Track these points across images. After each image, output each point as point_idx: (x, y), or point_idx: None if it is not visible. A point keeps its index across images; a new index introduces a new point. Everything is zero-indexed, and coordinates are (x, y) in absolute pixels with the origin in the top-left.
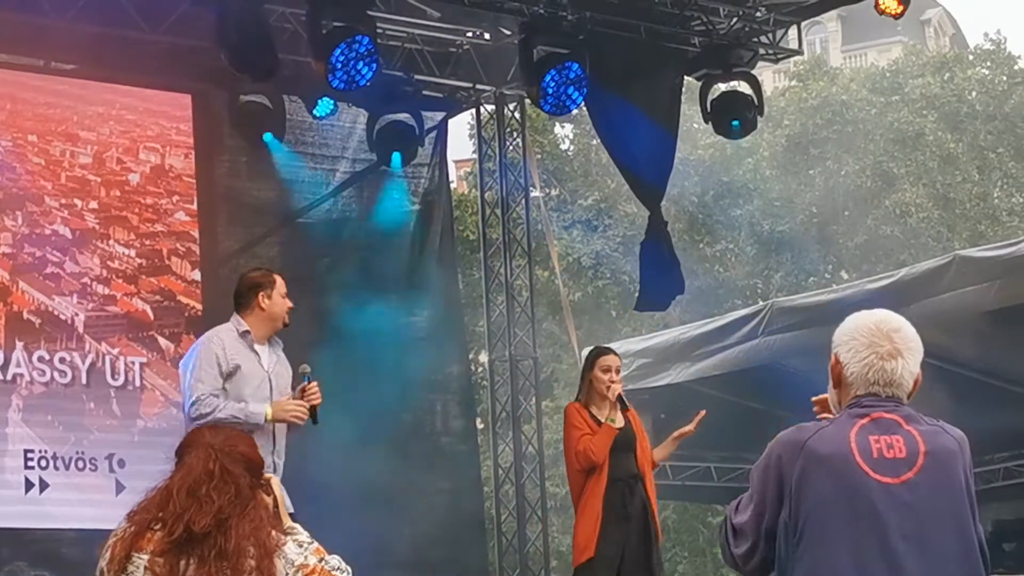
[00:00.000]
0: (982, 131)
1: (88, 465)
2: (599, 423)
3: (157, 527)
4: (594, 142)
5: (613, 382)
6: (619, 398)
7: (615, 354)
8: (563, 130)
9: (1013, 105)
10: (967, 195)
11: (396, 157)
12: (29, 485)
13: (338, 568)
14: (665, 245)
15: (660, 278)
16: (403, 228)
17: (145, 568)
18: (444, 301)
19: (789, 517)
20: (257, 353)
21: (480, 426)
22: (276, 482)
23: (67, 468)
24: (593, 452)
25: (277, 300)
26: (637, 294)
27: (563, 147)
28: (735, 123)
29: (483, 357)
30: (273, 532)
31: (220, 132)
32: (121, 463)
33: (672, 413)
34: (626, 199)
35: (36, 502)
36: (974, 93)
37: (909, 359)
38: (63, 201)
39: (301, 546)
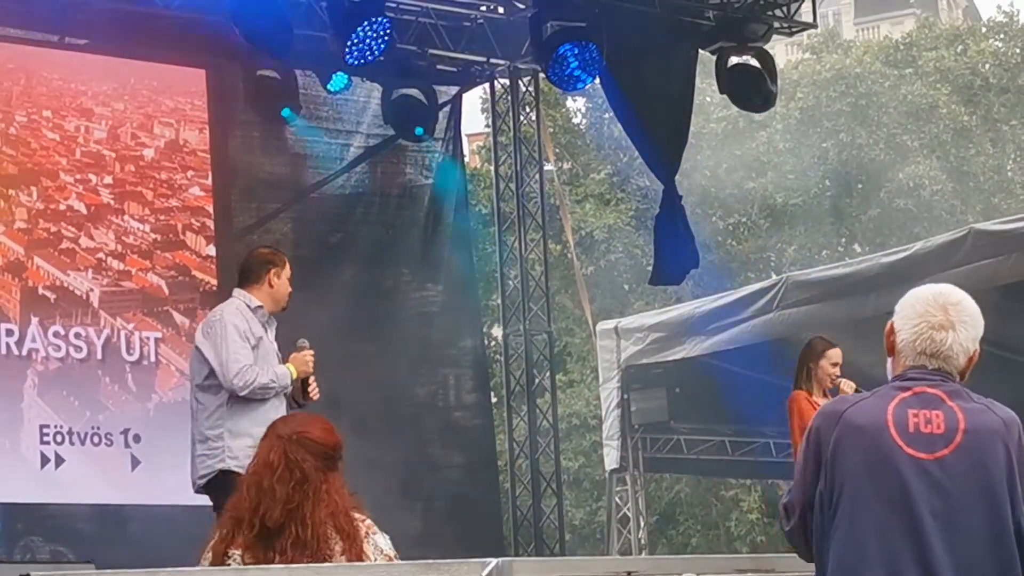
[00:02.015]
0: (996, 103)
1: (104, 440)
2: None
3: (243, 524)
4: (606, 115)
5: (840, 376)
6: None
7: (836, 347)
8: (575, 104)
9: None
10: (981, 168)
11: (418, 130)
12: (45, 460)
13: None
14: (680, 219)
15: (675, 252)
16: (417, 202)
17: (240, 563)
18: (458, 275)
19: (825, 488)
20: (266, 328)
21: (494, 400)
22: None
23: (83, 443)
24: None
25: (284, 281)
26: (651, 268)
27: (575, 121)
28: (758, 99)
29: (496, 331)
30: (356, 516)
31: (235, 107)
32: (136, 438)
33: (687, 387)
34: (639, 173)
35: (52, 477)
36: (987, 65)
37: (962, 332)
38: (78, 176)
39: (386, 537)
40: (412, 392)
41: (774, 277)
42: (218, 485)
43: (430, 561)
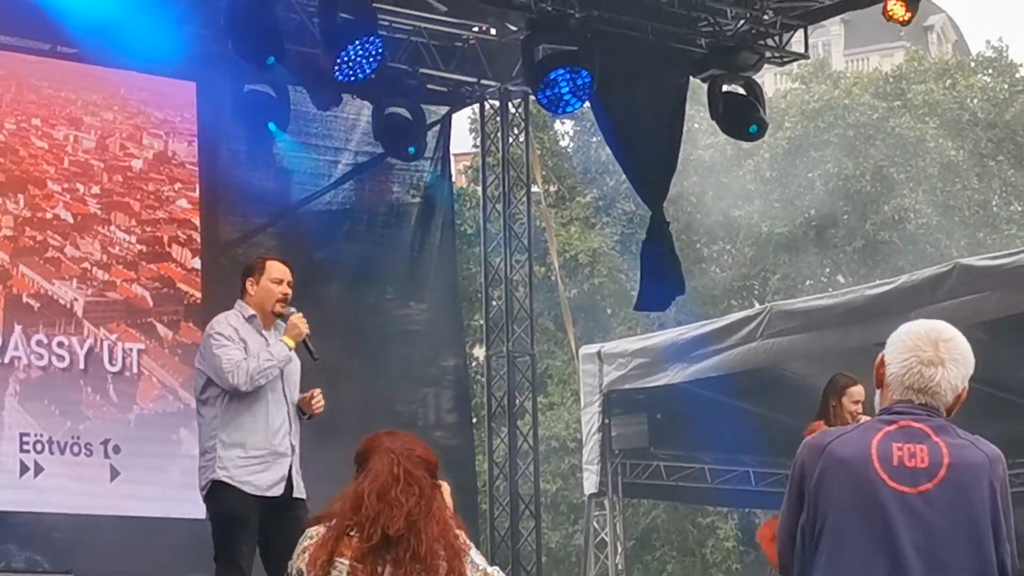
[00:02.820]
0: (983, 139)
1: (83, 450)
2: None
3: (353, 532)
4: (594, 139)
5: (860, 414)
6: None
7: (858, 384)
8: (563, 126)
9: (1014, 113)
10: (966, 202)
11: (411, 149)
12: (24, 468)
13: None
14: (666, 246)
15: (660, 279)
16: (404, 220)
17: (348, 572)
18: (442, 295)
19: (807, 520)
20: (265, 337)
21: (474, 421)
22: (446, 489)
23: (62, 452)
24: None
25: (265, 286)
26: (636, 294)
27: (562, 143)
28: (753, 128)
29: (477, 352)
30: (459, 533)
31: (224, 121)
32: (116, 449)
33: (669, 413)
34: (624, 197)
35: (30, 485)
36: (975, 100)
37: (951, 370)
38: (65, 185)
39: (477, 551)
40: (393, 409)
41: (757, 306)
42: (211, 495)
43: None
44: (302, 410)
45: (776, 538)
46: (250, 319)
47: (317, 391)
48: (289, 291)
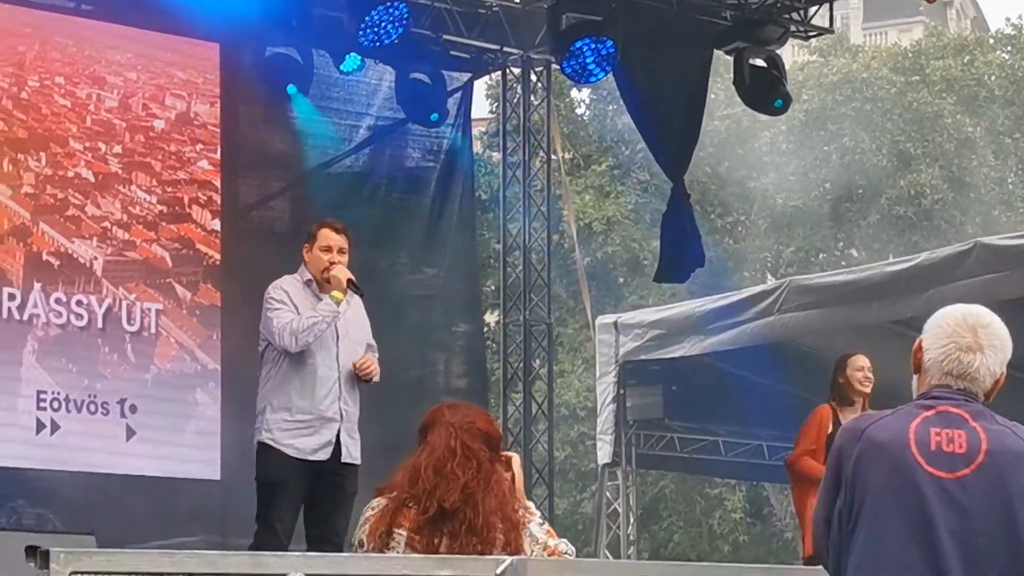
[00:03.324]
0: (1000, 116)
1: (100, 409)
2: None
3: (411, 505)
4: (610, 108)
5: (868, 378)
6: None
7: (861, 354)
8: (579, 94)
9: None
10: (982, 179)
11: (434, 116)
12: (40, 426)
13: (566, 552)
14: (687, 217)
15: (680, 250)
16: (423, 187)
17: (405, 543)
18: (459, 261)
19: (844, 504)
20: (321, 300)
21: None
22: (516, 461)
23: (79, 411)
24: (804, 474)
25: (315, 254)
26: (653, 264)
27: (578, 111)
28: (778, 102)
29: (488, 318)
30: (518, 507)
31: (247, 83)
32: (133, 408)
33: (683, 385)
34: (639, 167)
35: (46, 443)
36: (993, 77)
37: (990, 356)
38: (87, 144)
39: (541, 525)
40: (404, 374)
41: (770, 278)
42: (259, 455)
43: (444, 556)
44: (359, 377)
45: (812, 522)
46: (307, 283)
47: (368, 359)
48: (339, 258)
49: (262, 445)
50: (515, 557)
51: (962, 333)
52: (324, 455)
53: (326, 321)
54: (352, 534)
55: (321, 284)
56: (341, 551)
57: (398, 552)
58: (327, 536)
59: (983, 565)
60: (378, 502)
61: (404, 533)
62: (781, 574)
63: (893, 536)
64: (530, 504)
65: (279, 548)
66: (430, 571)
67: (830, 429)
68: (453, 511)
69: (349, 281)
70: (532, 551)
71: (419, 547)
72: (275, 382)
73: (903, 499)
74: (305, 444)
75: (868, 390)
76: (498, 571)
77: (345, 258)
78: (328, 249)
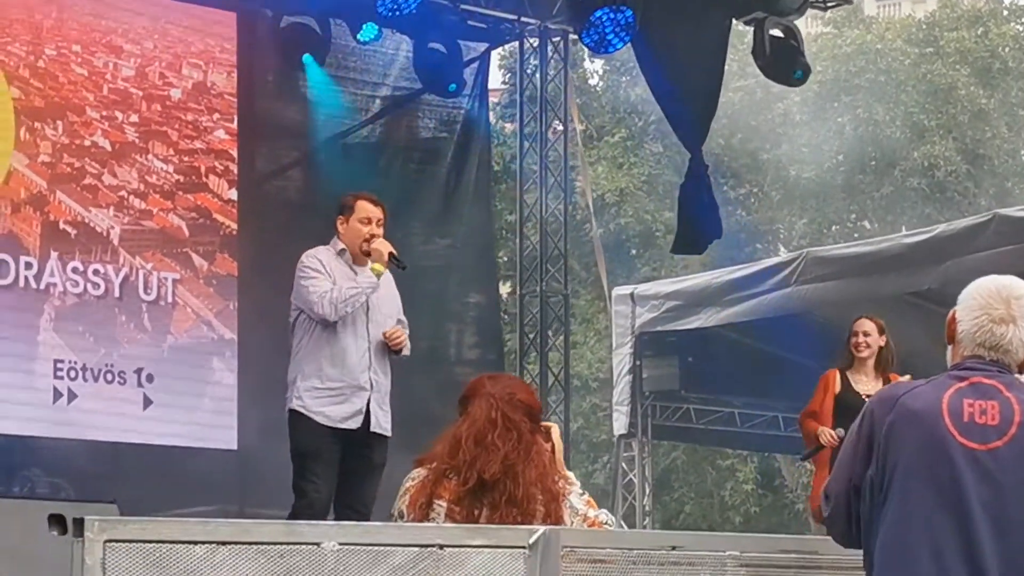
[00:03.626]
0: (1014, 87)
1: (117, 378)
2: (849, 392)
3: (451, 475)
4: (624, 79)
5: (859, 343)
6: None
7: (867, 317)
8: (592, 65)
9: None
10: (996, 151)
11: (452, 87)
12: (57, 395)
13: (606, 523)
14: (704, 188)
15: (698, 222)
16: (439, 158)
17: (445, 514)
18: (474, 232)
19: (876, 473)
20: (355, 272)
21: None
22: (556, 431)
23: (96, 380)
24: (804, 433)
25: (353, 225)
26: (673, 236)
27: (591, 82)
28: (798, 73)
29: (501, 289)
30: (558, 478)
31: (264, 52)
32: (150, 378)
33: (700, 357)
34: (652, 138)
35: (63, 412)
36: (1007, 49)
37: (1023, 327)
38: (104, 113)
39: (581, 495)
40: (415, 344)
41: (783, 250)
42: (292, 423)
43: (478, 526)
44: (391, 349)
45: (830, 487)
46: (340, 253)
47: (398, 329)
48: (378, 230)
49: (293, 413)
50: (548, 527)
51: (995, 305)
52: (354, 424)
53: (365, 293)
54: (392, 505)
55: (356, 256)
56: (367, 521)
57: (438, 523)
58: (354, 506)
59: (1015, 536)
60: (418, 472)
61: (444, 504)
62: (817, 545)
63: (924, 507)
64: (570, 474)
65: (313, 518)
66: (463, 540)
67: (837, 389)
68: (493, 482)
69: (391, 255)
70: (572, 522)
71: (459, 518)
72: (306, 351)
73: (935, 470)
74: (335, 412)
75: (864, 355)
76: (531, 540)
77: (382, 230)
78: (367, 221)
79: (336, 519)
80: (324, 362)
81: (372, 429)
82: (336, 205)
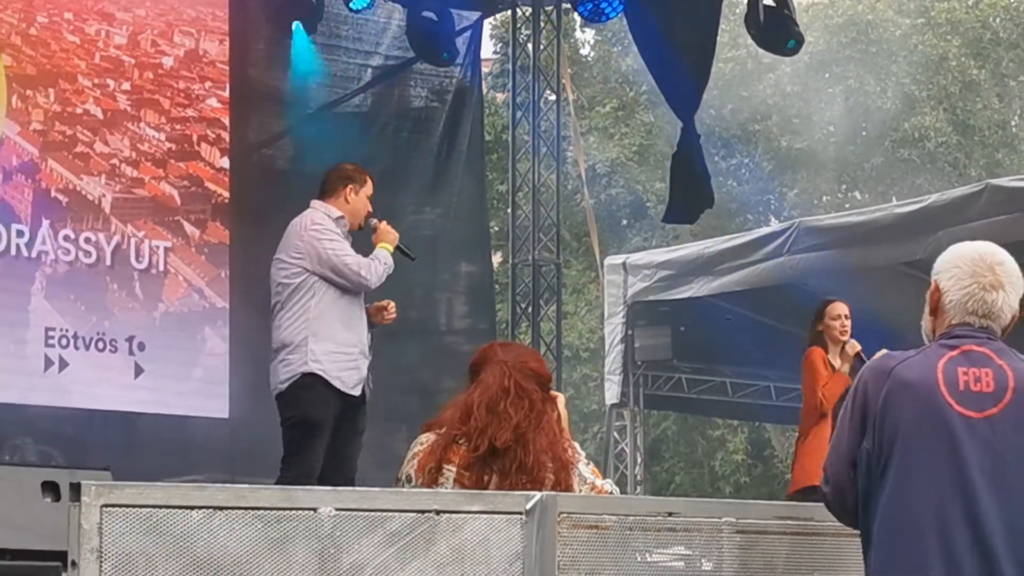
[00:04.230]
0: (1005, 58)
1: (108, 346)
2: (834, 370)
3: (461, 441)
4: (615, 49)
5: (845, 328)
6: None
7: (840, 301)
8: (583, 35)
9: None
10: (986, 122)
11: (445, 56)
12: (48, 363)
13: (611, 492)
14: (697, 158)
15: (690, 191)
16: (431, 127)
17: (454, 480)
18: (467, 201)
19: (872, 445)
20: (350, 240)
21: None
22: (561, 400)
23: (87, 348)
24: (825, 399)
25: (362, 198)
26: (666, 205)
27: (583, 52)
28: (792, 43)
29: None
30: (568, 447)
31: (256, 20)
32: (141, 346)
33: (692, 326)
34: (644, 108)
35: (54, 380)
36: (998, 19)
37: (1010, 292)
38: (96, 81)
39: (587, 464)
40: (404, 315)
41: (774, 220)
42: (301, 387)
43: (475, 492)
44: (371, 322)
45: (828, 462)
46: (337, 220)
47: (392, 303)
48: None
49: (310, 376)
50: (545, 493)
51: (983, 272)
52: (358, 391)
53: (388, 272)
54: (398, 469)
55: (351, 226)
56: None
57: (447, 488)
58: (346, 473)
59: (1016, 502)
60: (426, 437)
61: (453, 469)
62: (813, 511)
63: (924, 475)
64: (575, 444)
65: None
66: (460, 506)
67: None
68: (504, 449)
69: (400, 244)
70: (580, 490)
71: (468, 483)
72: (315, 312)
73: (934, 439)
74: (349, 378)
75: (845, 340)
76: (527, 506)
77: None
78: (370, 196)
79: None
80: (339, 326)
81: (367, 396)
82: (336, 174)
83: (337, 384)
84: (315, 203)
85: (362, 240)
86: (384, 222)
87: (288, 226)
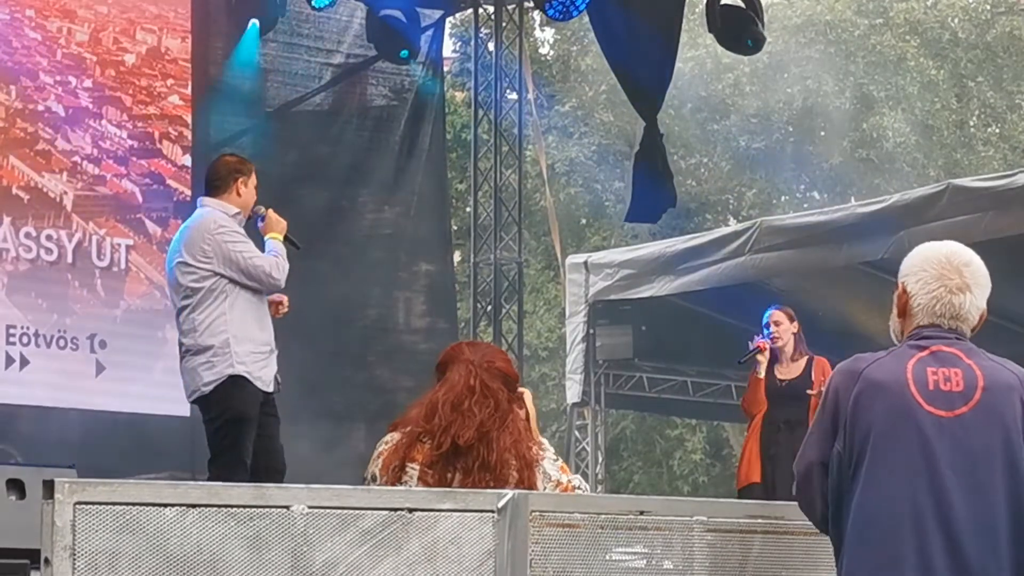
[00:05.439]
0: (963, 59)
1: (70, 344)
2: (772, 378)
3: (426, 439)
4: (574, 48)
5: (775, 333)
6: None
7: (780, 309)
8: (543, 34)
9: (995, 35)
10: (945, 123)
11: (404, 53)
12: (10, 361)
13: (579, 488)
14: (659, 157)
15: (652, 190)
16: (392, 125)
17: (418, 478)
18: (428, 200)
19: (844, 448)
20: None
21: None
22: (529, 397)
23: (48, 346)
24: (743, 401)
25: (251, 189)
26: (627, 205)
27: (542, 51)
28: (749, 42)
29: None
30: (532, 445)
31: (218, 18)
32: (103, 344)
33: (653, 325)
34: (603, 107)
35: (15, 378)
36: (957, 20)
37: (977, 294)
38: (57, 78)
39: (555, 461)
40: (363, 312)
41: (733, 220)
42: (226, 390)
43: (448, 490)
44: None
45: (798, 465)
46: (234, 216)
47: (285, 298)
48: None
49: (235, 378)
50: (517, 491)
51: (949, 275)
52: (272, 387)
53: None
54: (365, 468)
55: (244, 217)
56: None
57: (410, 486)
58: (277, 466)
59: (986, 500)
60: (391, 436)
61: (417, 467)
62: (783, 510)
63: (896, 475)
64: (544, 441)
65: None
66: (433, 504)
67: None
68: (467, 447)
69: (288, 233)
70: (544, 488)
71: (431, 481)
72: (233, 314)
73: (904, 439)
74: (266, 375)
75: (778, 345)
76: (499, 504)
77: None
78: (256, 189)
79: (259, 482)
80: (253, 325)
81: (280, 391)
82: (223, 168)
83: (259, 384)
84: (208, 201)
85: (248, 228)
86: (271, 210)
87: (185, 228)
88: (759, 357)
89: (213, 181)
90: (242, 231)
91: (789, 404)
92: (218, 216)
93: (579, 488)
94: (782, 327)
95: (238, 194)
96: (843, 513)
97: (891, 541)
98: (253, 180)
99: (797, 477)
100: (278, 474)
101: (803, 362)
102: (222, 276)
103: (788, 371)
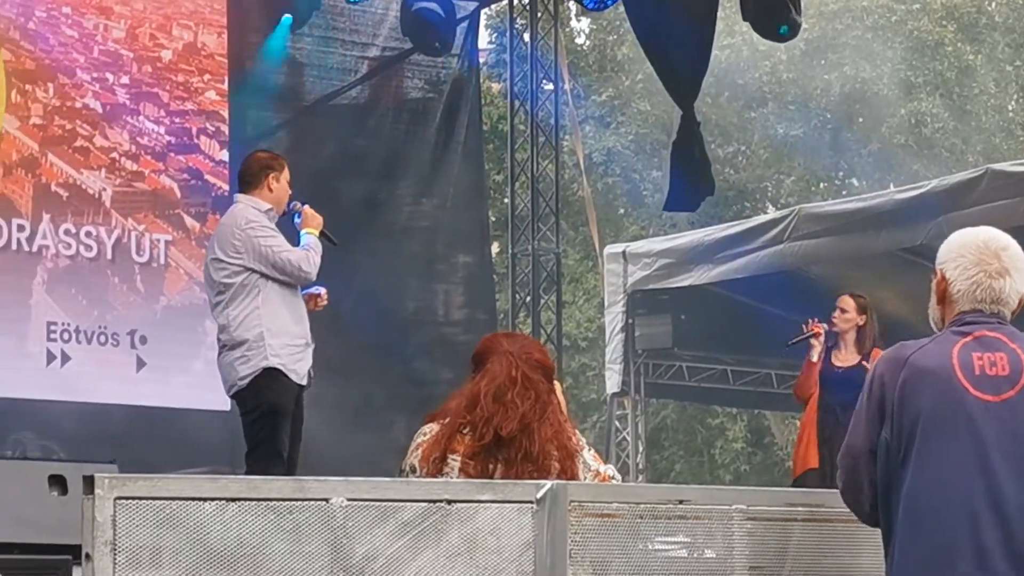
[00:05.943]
0: (1001, 43)
1: (110, 340)
2: (828, 364)
3: (466, 431)
4: (610, 38)
5: (838, 317)
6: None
7: (850, 295)
8: (579, 24)
9: None
10: (983, 107)
11: (438, 45)
12: (51, 357)
13: (614, 478)
14: (696, 145)
15: (690, 179)
16: (428, 118)
17: (459, 469)
18: (465, 192)
19: (891, 435)
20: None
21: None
22: (559, 388)
23: (89, 342)
24: (796, 386)
25: (283, 184)
26: (666, 194)
27: (578, 41)
28: (783, 29)
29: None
30: (572, 435)
31: (254, 13)
32: (143, 340)
33: (692, 314)
34: (640, 96)
35: (56, 375)
36: (994, 4)
37: (1016, 278)
38: (95, 75)
39: (589, 451)
40: (401, 304)
41: (771, 208)
42: (261, 383)
43: (486, 481)
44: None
45: (844, 455)
46: (266, 212)
47: (324, 291)
48: None
49: (271, 371)
50: (556, 481)
51: (988, 260)
52: (306, 380)
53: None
54: (403, 460)
55: (277, 213)
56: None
57: (452, 477)
58: (294, 459)
59: None
60: (429, 428)
61: (458, 459)
62: (824, 498)
63: (947, 462)
64: (577, 432)
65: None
66: (472, 495)
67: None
68: (509, 439)
69: (323, 228)
70: (585, 478)
71: (473, 473)
72: (266, 308)
73: (953, 425)
74: (301, 369)
75: (835, 329)
76: (538, 495)
77: None
78: (290, 183)
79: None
80: (288, 319)
81: (311, 385)
82: (255, 164)
83: (293, 377)
84: (241, 197)
85: (284, 224)
86: (308, 206)
87: (218, 224)
88: (813, 341)
89: (245, 177)
90: (273, 226)
91: (844, 391)
92: (249, 212)
93: (614, 478)
94: (847, 314)
95: (270, 189)
96: (892, 501)
97: (944, 529)
98: (286, 175)
99: (842, 466)
100: (292, 465)
101: (862, 358)
102: (253, 271)
103: (846, 358)
